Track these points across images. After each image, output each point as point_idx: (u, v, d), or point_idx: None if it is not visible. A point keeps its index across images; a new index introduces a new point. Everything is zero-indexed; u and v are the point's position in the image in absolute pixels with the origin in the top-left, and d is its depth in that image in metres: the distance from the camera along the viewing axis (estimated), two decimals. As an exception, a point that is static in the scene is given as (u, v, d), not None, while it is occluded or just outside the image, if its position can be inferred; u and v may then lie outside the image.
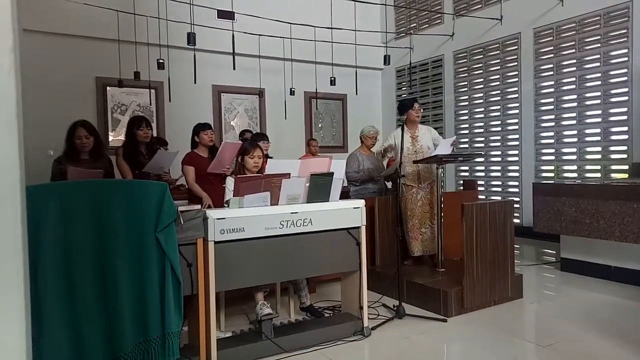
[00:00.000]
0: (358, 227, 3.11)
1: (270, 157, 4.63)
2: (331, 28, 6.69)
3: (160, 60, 6.13)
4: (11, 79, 0.63)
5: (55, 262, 2.09)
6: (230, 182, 3.03)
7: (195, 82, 5.48)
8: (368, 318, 3.18)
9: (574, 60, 6.09)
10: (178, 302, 2.38)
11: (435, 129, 5.09)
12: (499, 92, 7.11)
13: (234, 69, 5.57)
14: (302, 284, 3.46)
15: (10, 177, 0.64)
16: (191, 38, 5.03)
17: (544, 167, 6.52)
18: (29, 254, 0.95)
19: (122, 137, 4.10)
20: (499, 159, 7.15)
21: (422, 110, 4.45)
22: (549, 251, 5.65)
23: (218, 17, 6.89)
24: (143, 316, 2.29)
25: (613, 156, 5.73)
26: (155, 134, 6.92)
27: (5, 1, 0.63)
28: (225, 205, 2.87)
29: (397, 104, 4.59)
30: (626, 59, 5.55)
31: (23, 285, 0.70)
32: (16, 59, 0.61)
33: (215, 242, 2.59)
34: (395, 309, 3.48)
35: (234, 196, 2.74)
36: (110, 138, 6.82)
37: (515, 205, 6.41)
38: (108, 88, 6.77)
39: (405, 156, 4.21)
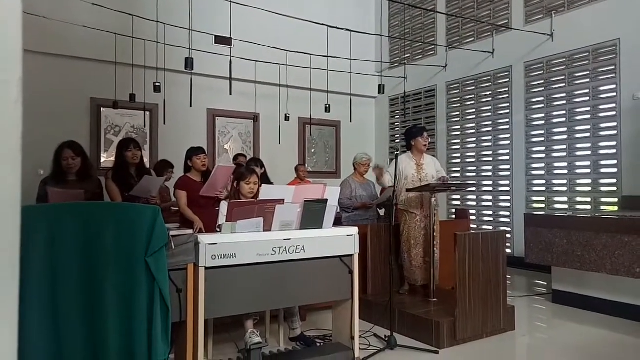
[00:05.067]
0: (351, 255, 3.08)
1: (272, 183, 4.61)
2: (327, 56, 6.79)
3: (157, 84, 6.16)
4: (18, 110, 0.63)
5: (41, 286, 2.04)
6: (224, 207, 3.00)
7: (191, 106, 5.50)
8: (359, 348, 3.12)
9: (564, 94, 6.22)
10: (166, 329, 2.32)
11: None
12: (490, 122, 7.22)
13: (231, 94, 5.60)
14: (295, 309, 3.37)
15: (10, 211, 0.63)
16: (189, 63, 5.07)
17: (534, 198, 6.57)
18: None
19: (113, 159, 4.08)
20: (490, 188, 7.19)
21: (429, 140, 4.42)
22: (541, 282, 5.63)
23: (215, 43, 6.99)
24: (130, 343, 2.23)
25: (603, 188, 5.79)
26: (148, 157, 6.91)
27: (17, 33, 0.63)
28: (218, 229, 2.84)
29: (404, 130, 4.54)
30: (615, 94, 5.68)
31: (15, 306, 0.68)
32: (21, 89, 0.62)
33: (206, 268, 2.55)
34: (386, 339, 3.42)
35: (226, 221, 2.71)
36: (103, 159, 6.79)
37: (507, 235, 6.43)
38: (102, 109, 6.77)
39: (410, 183, 4.17)
